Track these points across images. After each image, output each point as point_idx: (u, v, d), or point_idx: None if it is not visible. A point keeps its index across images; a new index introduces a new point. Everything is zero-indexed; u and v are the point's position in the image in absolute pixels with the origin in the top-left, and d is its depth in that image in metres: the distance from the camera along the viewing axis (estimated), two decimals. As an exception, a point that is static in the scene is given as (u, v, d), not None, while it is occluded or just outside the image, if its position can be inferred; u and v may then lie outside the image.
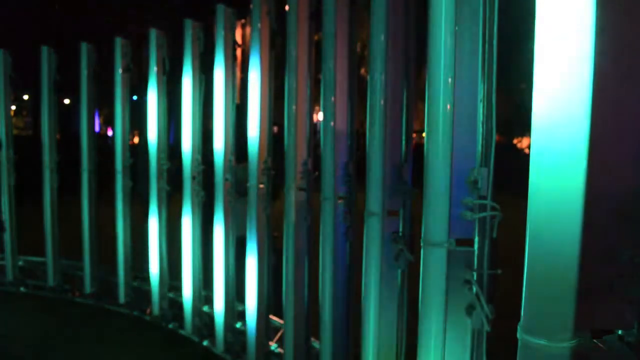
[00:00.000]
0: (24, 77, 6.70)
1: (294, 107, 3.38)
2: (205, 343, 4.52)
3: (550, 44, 1.45)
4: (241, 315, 4.29)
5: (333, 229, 3.05)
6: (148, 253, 5.04)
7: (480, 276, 2.06)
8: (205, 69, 4.51)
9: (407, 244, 2.59)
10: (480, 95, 2.07)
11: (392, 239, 2.61)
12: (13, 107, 6.85)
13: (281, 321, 3.79)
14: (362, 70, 3.92)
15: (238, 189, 4.21)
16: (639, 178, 1.45)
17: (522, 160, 1.65)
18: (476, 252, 2.09)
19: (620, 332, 1.48)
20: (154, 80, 4.80)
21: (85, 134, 5.48)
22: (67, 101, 16.46)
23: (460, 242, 2.08)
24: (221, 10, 4.11)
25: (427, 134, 2.11)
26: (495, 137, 2.08)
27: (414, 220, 2.57)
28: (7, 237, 5.98)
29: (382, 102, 2.57)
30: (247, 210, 3.90)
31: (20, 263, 6.14)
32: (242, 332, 4.18)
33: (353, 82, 3.06)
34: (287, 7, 3.41)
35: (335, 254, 3.06)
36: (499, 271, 2.08)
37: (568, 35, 1.41)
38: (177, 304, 4.92)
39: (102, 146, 5.73)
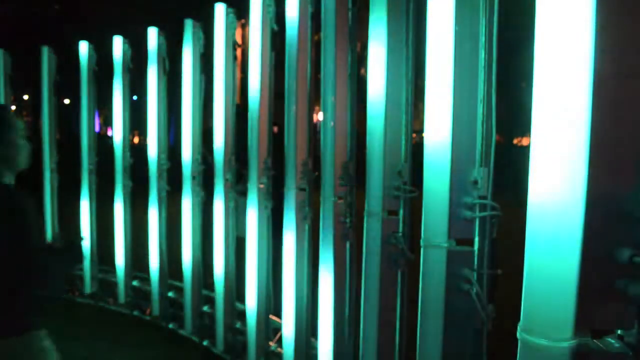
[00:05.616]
0: (24, 77, 6.70)
1: (294, 107, 3.38)
2: (205, 343, 4.52)
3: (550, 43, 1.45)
4: (241, 315, 4.29)
5: (333, 229, 3.05)
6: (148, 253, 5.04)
7: (480, 276, 2.06)
8: (205, 69, 4.50)
9: (407, 244, 2.59)
10: (480, 95, 2.07)
11: (392, 239, 2.61)
12: (13, 107, 6.84)
13: (281, 321, 3.79)
14: (362, 71, 3.92)
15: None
16: (639, 178, 1.45)
17: (522, 160, 1.65)
18: (476, 252, 2.09)
19: (620, 332, 1.48)
20: (154, 80, 4.80)
21: (86, 134, 5.48)
22: (67, 101, 16.45)
23: (460, 242, 2.08)
24: (221, 10, 4.11)
25: (427, 134, 2.12)
26: (495, 137, 2.08)
27: (414, 220, 2.57)
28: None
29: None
30: (248, 210, 3.90)
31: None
32: (242, 332, 4.17)
33: (353, 82, 3.06)
34: (287, 7, 3.41)
35: (335, 254, 3.06)
36: (499, 271, 2.09)
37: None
38: (177, 304, 4.92)
39: (103, 146, 5.72)
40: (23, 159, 2.04)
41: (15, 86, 6.09)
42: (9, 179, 2.00)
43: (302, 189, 3.40)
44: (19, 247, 1.88)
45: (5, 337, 1.90)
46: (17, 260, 1.88)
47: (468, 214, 2.05)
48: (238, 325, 4.28)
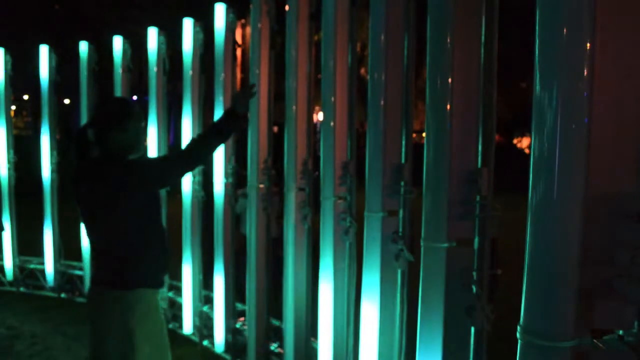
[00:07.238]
0: (24, 77, 6.69)
1: (294, 107, 3.38)
2: (205, 343, 4.52)
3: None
4: (241, 315, 4.29)
5: (333, 229, 3.05)
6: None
7: (480, 276, 2.06)
8: (205, 69, 4.50)
9: (407, 244, 2.59)
10: (480, 95, 2.07)
11: (392, 239, 2.60)
12: (13, 107, 6.84)
13: (281, 321, 3.79)
14: (362, 70, 3.92)
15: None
16: (639, 178, 1.45)
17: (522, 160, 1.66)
18: (476, 252, 2.09)
19: (620, 332, 1.48)
20: (154, 80, 4.80)
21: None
22: (67, 101, 16.45)
23: (460, 242, 2.08)
24: (221, 10, 4.11)
25: (427, 134, 2.12)
26: (495, 137, 2.08)
27: (414, 220, 2.57)
28: (6, 237, 5.98)
29: (382, 102, 2.57)
30: (247, 211, 3.90)
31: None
32: (242, 332, 4.17)
33: (353, 82, 3.06)
34: (287, 7, 3.41)
35: (335, 254, 3.06)
36: (499, 271, 2.09)
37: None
38: (177, 304, 4.92)
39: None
40: (142, 144, 2.43)
41: (15, 86, 6.09)
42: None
43: (302, 189, 3.40)
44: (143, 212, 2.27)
45: (121, 289, 2.25)
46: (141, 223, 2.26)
47: (468, 214, 2.05)
48: (238, 325, 4.28)
